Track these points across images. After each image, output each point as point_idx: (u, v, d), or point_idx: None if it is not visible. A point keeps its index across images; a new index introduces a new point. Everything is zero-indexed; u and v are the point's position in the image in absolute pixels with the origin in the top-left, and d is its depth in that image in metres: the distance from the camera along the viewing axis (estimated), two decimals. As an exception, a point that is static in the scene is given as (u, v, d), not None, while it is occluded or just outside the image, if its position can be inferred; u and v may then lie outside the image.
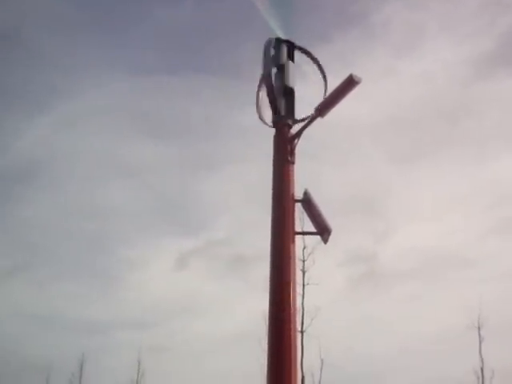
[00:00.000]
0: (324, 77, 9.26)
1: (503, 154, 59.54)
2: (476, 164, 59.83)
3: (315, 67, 9.36)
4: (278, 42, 9.25)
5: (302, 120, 8.97)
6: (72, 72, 59.98)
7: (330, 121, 8.96)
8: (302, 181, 8.89)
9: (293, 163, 8.83)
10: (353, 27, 64.34)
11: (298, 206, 8.79)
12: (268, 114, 9.12)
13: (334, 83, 8.85)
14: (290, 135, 8.91)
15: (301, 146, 8.92)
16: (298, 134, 8.87)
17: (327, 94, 8.95)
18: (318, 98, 8.97)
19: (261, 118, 9.20)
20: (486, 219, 56.40)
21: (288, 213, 8.60)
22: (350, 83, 8.52)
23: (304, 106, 9.11)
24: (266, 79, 9.00)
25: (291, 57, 9.27)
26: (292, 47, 9.32)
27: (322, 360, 27.47)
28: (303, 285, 26.12)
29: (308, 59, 9.39)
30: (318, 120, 8.81)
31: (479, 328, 31.75)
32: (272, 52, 9.22)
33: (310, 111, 8.84)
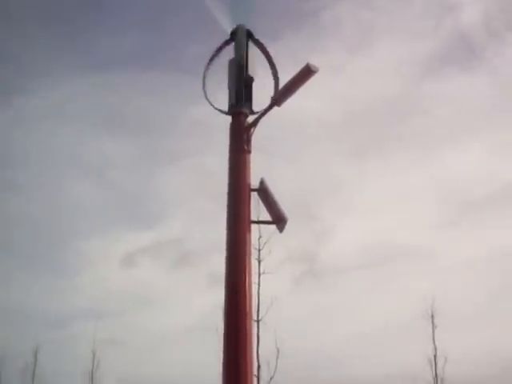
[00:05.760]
0: (275, 73, 9.19)
1: (450, 151, 60.77)
2: (424, 160, 60.83)
3: (266, 62, 9.33)
4: (238, 31, 9.22)
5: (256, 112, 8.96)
6: (30, 69, 59.35)
7: (281, 114, 8.97)
8: (253, 173, 8.88)
9: (249, 152, 8.80)
10: (304, 24, 64.61)
11: (254, 195, 8.78)
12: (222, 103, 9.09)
13: (285, 79, 8.83)
14: (246, 124, 8.88)
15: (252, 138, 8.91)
16: (255, 122, 8.84)
17: (282, 83, 8.92)
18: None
19: (212, 104, 9.11)
20: (435, 213, 57.43)
21: (244, 202, 8.57)
22: (307, 72, 8.50)
23: (261, 95, 9.10)
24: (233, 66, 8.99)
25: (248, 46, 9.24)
26: (250, 37, 9.29)
27: (277, 349, 27.48)
28: (259, 274, 26.07)
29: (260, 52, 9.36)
30: (274, 109, 8.81)
31: (432, 316, 32.24)
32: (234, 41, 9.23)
33: (267, 100, 8.85)
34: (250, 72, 9.11)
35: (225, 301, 8.34)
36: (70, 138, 60.21)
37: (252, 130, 8.84)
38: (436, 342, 32.33)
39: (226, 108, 9.08)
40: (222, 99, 9.14)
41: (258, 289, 26.00)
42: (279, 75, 9.08)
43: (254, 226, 8.70)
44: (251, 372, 8.23)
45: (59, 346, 44.97)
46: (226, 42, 9.30)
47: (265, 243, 26.59)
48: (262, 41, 9.29)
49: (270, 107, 8.78)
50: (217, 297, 9.23)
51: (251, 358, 8.24)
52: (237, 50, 9.18)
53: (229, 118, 9.01)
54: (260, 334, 26.37)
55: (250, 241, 8.56)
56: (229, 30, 9.27)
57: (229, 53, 9.30)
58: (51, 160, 60.59)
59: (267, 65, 9.22)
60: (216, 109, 9.07)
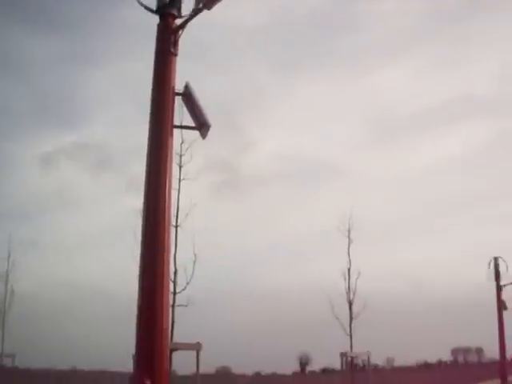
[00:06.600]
0: None
1: (381, 69, 61.31)
2: (354, 77, 61.29)
3: None
4: None
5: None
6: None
7: (211, 21, 8.75)
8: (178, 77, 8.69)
9: (175, 55, 8.60)
10: None
11: (178, 100, 8.64)
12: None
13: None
14: (174, 26, 8.64)
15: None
16: (183, 25, 8.62)
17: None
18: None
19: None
20: (358, 131, 58.34)
21: (167, 105, 8.42)
22: (238, -24, 8.31)
23: None
24: None
25: None
26: None
27: (195, 255, 27.67)
28: (179, 180, 25.88)
29: None
30: (204, 13, 8.59)
31: (349, 231, 33.04)
32: None
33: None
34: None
35: (144, 204, 8.30)
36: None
37: (180, 32, 8.62)
38: (351, 256, 33.22)
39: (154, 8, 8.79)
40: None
41: (178, 194, 25.90)
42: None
43: (176, 131, 8.62)
44: (167, 277, 8.29)
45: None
46: None
47: (187, 149, 26.30)
48: None
49: (200, 10, 8.55)
50: (136, 201, 9.18)
51: (168, 262, 8.29)
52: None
53: (157, 20, 8.74)
54: (178, 239, 26.46)
55: (171, 145, 8.47)
56: None
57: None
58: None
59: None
60: (143, 5, 8.72)
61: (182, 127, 9.12)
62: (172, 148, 8.49)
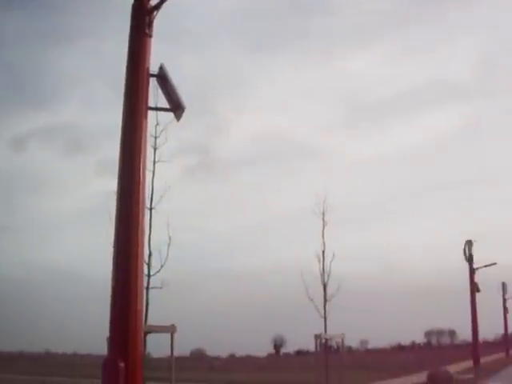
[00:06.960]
0: None
1: (353, 52, 61.35)
2: (326, 59, 61.32)
3: None
4: None
5: None
6: None
7: (188, 5, 8.69)
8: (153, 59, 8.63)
9: (150, 36, 8.52)
10: None
11: (153, 82, 8.58)
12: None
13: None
14: (149, 6, 8.55)
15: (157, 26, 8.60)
16: (158, 5, 8.53)
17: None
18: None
19: None
20: (332, 114, 58.44)
21: (142, 87, 8.34)
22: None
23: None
24: None
25: None
26: None
27: (169, 237, 27.69)
28: (154, 162, 25.87)
29: None
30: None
31: (323, 213, 33.16)
32: None
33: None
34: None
35: (118, 186, 8.25)
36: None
37: (155, 13, 8.53)
38: (325, 239, 33.36)
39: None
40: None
41: (153, 177, 25.87)
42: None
43: (151, 113, 8.57)
44: (142, 259, 8.28)
45: None
46: None
47: (161, 131, 26.24)
48: None
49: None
50: (110, 182, 9.12)
51: (142, 244, 8.28)
52: None
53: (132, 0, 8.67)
54: (152, 222, 26.42)
55: (146, 127, 8.42)
56: None
57: None
58: None
59: None
60: None
61: (156, 109, 9.07)
62: (146, 130, 8.44)
